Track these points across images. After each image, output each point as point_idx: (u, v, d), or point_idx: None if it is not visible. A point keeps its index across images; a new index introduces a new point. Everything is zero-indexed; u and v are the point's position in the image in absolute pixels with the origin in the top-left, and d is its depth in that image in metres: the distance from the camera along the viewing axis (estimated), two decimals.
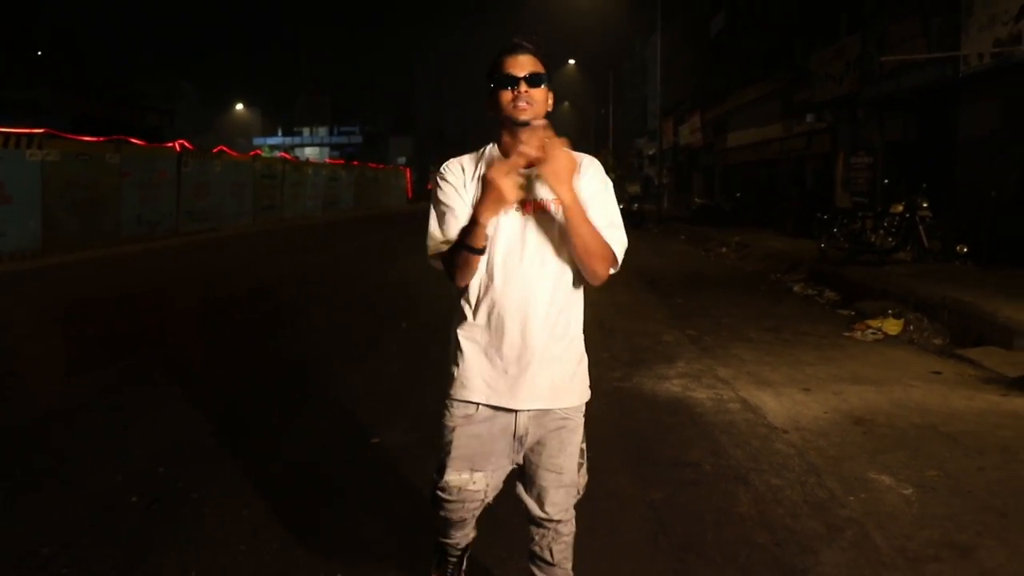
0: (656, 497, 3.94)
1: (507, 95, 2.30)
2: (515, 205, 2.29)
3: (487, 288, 2.34)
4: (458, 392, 2.38)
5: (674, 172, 43.71)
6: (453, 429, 2.39)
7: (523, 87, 2.30)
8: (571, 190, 2.20)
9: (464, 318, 2.40)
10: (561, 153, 2.18)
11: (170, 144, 20.42)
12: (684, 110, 38.03)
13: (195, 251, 17.44)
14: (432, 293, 10.26)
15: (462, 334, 2.39)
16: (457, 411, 2.39)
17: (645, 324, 8.74)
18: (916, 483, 4.15)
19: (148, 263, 14.97)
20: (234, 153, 25.15)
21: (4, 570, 3.17)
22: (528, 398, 2.35)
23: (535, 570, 2.56)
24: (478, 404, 2.37)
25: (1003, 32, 10.33)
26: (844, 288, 10.93)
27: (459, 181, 2.37)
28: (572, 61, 72.81)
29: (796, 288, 11.84)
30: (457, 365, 2.39)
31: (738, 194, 26.92)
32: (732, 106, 27.99)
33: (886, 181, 15.71)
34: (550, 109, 2.38)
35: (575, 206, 2.20)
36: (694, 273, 14.09)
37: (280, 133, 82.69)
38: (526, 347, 2.33)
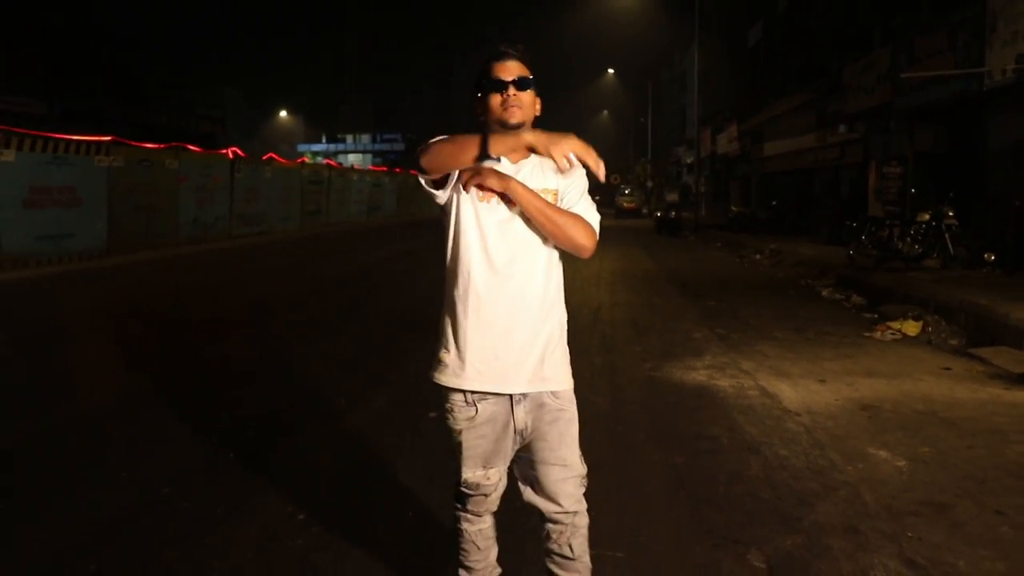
0: (678, 462, 4.54)
1: (497, 99, 2.40)
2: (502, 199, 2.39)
3: (479, 275, 2.40)
4: (450, 380, 2.42)
5: (712, 180, 44.05)
6: (460, 432, 2.45)
7: (511, 90, 2.39)
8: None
9: (457, 305, 2.44)
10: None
11: (224, 151, 21.36)
12: (722, 119, 38.39)
13: (248, 253, 18.31)
14: None
15: (455, 321, 2.44)
16: (460, 415, 2.43)
17: (677, 323, 9.28)
18: (909, 457, 4.69)
19: (206, 264, 15.83)
20: (283, 160, 26.07)
21: (137, 505, 3.86)
22: (520, 382, 2.40)
23: (555, 568, 2.57)
24: (476, 403, 2.41)
25: None
26: (870, 293, 11.39)
27: None
28: (611, 71, 73.37)
29: (824, 293, 12.30)
30: (448, 351, 2.44)
31: (774, 203, 27.30)
32: (768, 116, 28.36)
33: (912, 190, 16.10)
34: (538, 114, 2.49)
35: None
36: (727, 278, 14.59)
37: (324, 140, 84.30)
38: (521, 334, 2.39)
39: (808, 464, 4.54)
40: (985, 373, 6.99)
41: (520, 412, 2.42)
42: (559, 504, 2.49)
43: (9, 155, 13.13)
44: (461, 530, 2.60)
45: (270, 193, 23.57)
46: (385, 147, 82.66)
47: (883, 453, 4.76)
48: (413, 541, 3.51)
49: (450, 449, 2.53)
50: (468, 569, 2.62)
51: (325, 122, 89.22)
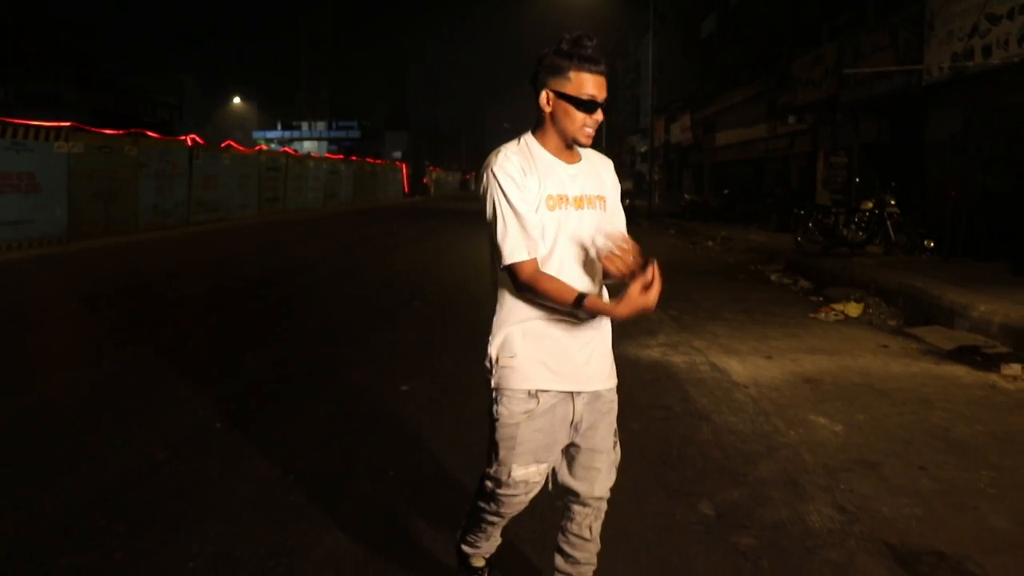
0: (635, 428, 4.92)
1: (581, 117, 2.29)
2: (571, 200, 2.35)
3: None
4: (522, 383, 2.36)
5: (665, 169, 44.75)
6: (517, 425, 2.36)
7: (599, 114, 2.31)
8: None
9: (522, 310, 2.37)
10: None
11: (183, 137, 21.33)
12: (675, 109, 39.03)
13: (207, 239, 18.35)
14: (436, 276, 11.24)
15: (522, 326, 2.37)
16: (517, 407, 2.36)
17: None
18: (846, 423, 5.15)
19: (165, 250, 15.87)
20: (241, 147, 26.03)
21: (136, 468, 4.14)
22: (591, 380, 2.42)
23: (568, 548, 2.60)
24: (538, 395, 2.37)
25: (959, 47, 11.36)
26: (816, 277, 11.93)
27: (523, 173, 2.32)
28: None
29: (773, 277, 12.83)
30: (514, 356, 2.36)
31: (726, 191, 27.95)
32: (721, 107, 28.98)
33: (857, 180, 16.77)
34: None
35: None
36: (680, 264, 15.06)
37: (279, 127, 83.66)
38: (590, 331, 2.40)
39: (754, 429, 4.96)
40: (918, 350, 7.51)
41: (580, 404, 2.42)
42: (596, 490, 2.53)
43: None
44: (481, 522, 2.59)
45: (228, 180, 23.55)
46: (340, 134, 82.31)
47: (822, 420, 5.20)
48: (396, 496, 3.85)
49: (487, 444, 2.46)
50: (473, 547, 2.67)
51: (279, 109, 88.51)
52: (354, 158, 42.70)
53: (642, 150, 50.15)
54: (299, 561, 3.17)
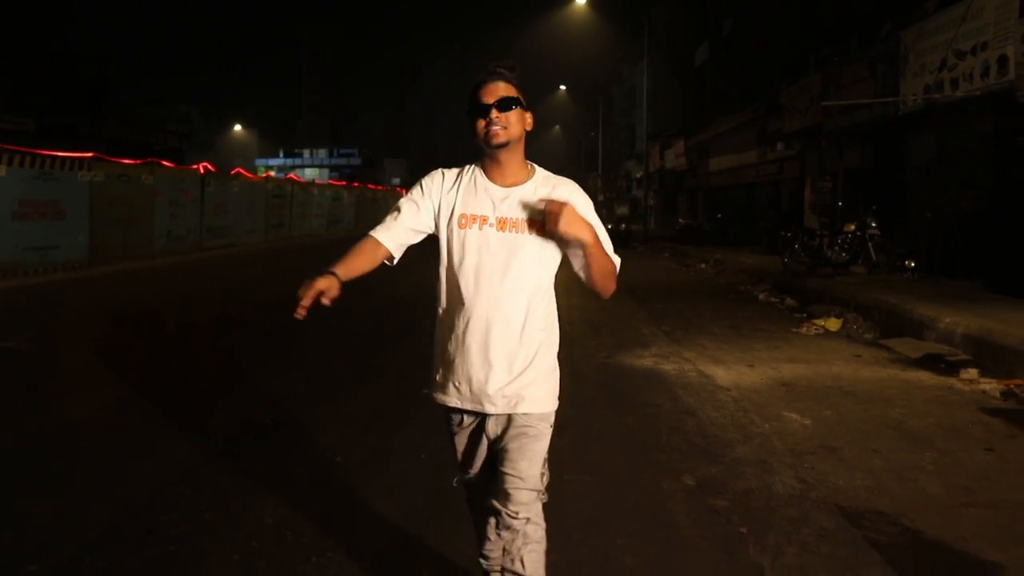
0: (629, 421, 5.67)
1: (481, 123, 2.44)
2: (492, 221, 2.48)
3: (460, 299, 2.49)
4: (437, 396, 2.61)
5: (660, 194, 45.56)
6: (454, 436, 2.70)
7: (494, 113, 2.42)
8: (589, 230, 2.37)
9: (442, 325, 2.58)
10: (566, 209, 2.32)
11: (195, 166, 22.13)
12: (670, 135, 39.89)
13: (221, 264, 19.11)
14: None
15: (439, 340, 2.60)
16: (452, 422, 2.67)
17: (627, 322, 10.42)
18: (814, 417, 5.88)
19: (183, 275, 16.59)
20: (249, 175, 26.84)
21: (201, 457, 4.87)
22: (493, 404, 2.50)
23: None
24: (460, 411, 2.59)
25: (930, 79, 12.20)
26: (802, 296, 12.68)
27: (435, 188, 2.58)
28: (563, 87, 74.95)
29: (761, 296, 13.58)
30: (436, 370, 2.61)
31: (719, 215, 28.78)
32: (713, 133, 29.81)
33: (840, 204, 17.58)
34: (529, 128, 2.51)
35: (595, 244, 2.40)
36: (673, 285, 15.83)
37: (281, 154, 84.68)
38: (490, 357, 2.47)
39: (733, 422, 5.69)
40: (888, 359, 8.24)
41: (491, 424, 2.56)
42: (508, 507, 2.51)
43: (1, 170, 13.86)
44: (477, 525, 2.82)
45: (237, 207, 24.31)
46: (342, 161, 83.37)
47: (794, 415, 5.93)
48: (428, 473, 4.57)
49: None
50: (487, 560, 2.77)
51: (280, 136, 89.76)
52: (356, 184, 43.61)
53: (638, 175, 51.02)
54: (354, 522, 3.90)
